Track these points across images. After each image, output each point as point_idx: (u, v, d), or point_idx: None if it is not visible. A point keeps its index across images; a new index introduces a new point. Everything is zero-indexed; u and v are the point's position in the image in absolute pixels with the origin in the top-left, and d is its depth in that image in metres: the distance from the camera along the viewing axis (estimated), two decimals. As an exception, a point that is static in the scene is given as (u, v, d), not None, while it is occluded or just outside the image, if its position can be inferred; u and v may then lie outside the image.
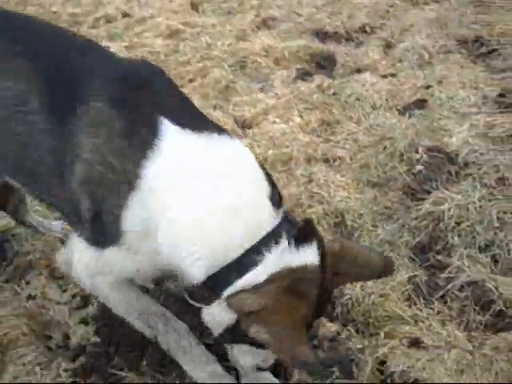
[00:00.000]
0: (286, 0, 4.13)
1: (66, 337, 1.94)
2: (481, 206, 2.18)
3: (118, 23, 3.90)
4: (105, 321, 1.88)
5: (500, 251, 2.05)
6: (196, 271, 1.27)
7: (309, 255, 1.24)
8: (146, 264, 1.36)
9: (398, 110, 2.79)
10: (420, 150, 2.48)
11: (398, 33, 3.41)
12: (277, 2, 4.09)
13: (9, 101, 1.43)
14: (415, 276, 1.97)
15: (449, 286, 1.95)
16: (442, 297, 1.93)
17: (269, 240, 1.22)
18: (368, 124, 2.68)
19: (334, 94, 2.93)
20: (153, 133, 1.26)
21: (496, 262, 2.04)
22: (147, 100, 1.32)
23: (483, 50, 3.16)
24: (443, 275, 2.00)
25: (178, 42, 3.50)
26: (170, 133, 1.26)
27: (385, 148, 2.50)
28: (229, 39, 3.47)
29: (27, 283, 2.10)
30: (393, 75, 3.05)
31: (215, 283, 1.27)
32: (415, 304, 1.88)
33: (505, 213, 2.17)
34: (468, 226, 2.13)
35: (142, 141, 1.26)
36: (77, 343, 1.86)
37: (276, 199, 1.27)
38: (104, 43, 3.44)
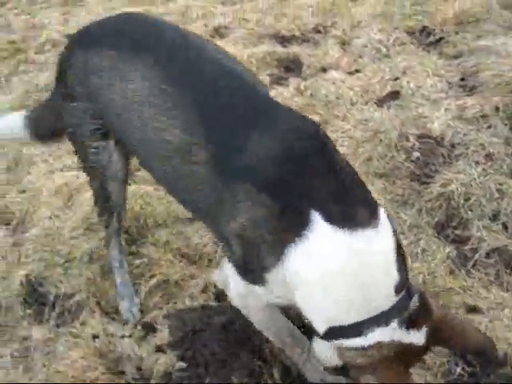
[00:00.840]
0: (227, 7, 4.26)
1: (139, 369, 1.99)
2: (480, 182, 2.46)
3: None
4: (187, 345, 1.95)
5: (507, 218, 2.34)
6: (319, 325, 1.44)
7: (416, 337, 1.39)
8: (285, 301, 1.54)
9: (375, 103, 3.01)
10: (411, 138, 2.72)
11: (349, 30, 3.64)
12: (219, 10, 4.20)
13: (172, 145, 1.55)
14: (449, 252, 2.20)
15: (476, 256, 2.21)
16: (474, 266, 2.19)
17: (382, 318, 1.37)
18: (355, 120, 2.89)
19: (312, 95, 3.11)
20: (303, 223, 1.38)
21: (506, 228, 2.33)
22: (303, 182, 1.42)
23: (431, 39, 3.47)
24: (467, 247, 2.26)
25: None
26: (317, 226, 1.37)
27: (381, 140, 2.72)
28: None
29: (82, 324, 2.11)
30: (358, 71, 3.28)
31: (331, 333, 1.42)
32: (457, 276, 2.12)
33: (500, 184, 2.47)
34: (475, 201, 2.40)
35: (293, 226, 1.38)
36: (162, 372, 1.92)
37: (400, 286, 1.40)
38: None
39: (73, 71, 1.81)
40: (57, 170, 2.76)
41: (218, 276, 1.75)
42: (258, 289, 1.52)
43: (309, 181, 1.41)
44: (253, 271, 1.48)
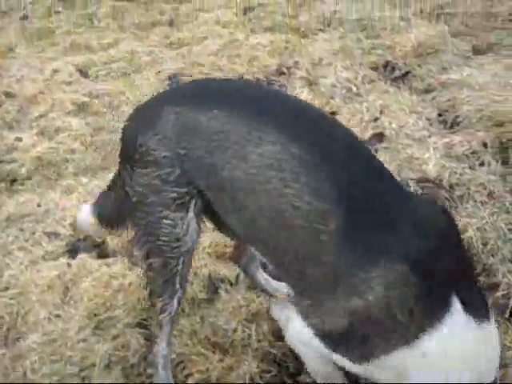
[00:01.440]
0: (174, 50, 4.08)
1: None
2: (492, 224, 2.46)
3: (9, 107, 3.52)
4: None
5: (528, 259, 2.35)
6: None
7: None
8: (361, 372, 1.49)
9: (361, 147, 2.96)
10: (411, 184, 2.68)
11: (311, 69, 3.58)
12: (167, 54, 4.02)
13: (298, 212, 1.45)
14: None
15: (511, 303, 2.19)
16: (512, 314, 2.17)
17: None
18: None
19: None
20: (444, 308, 1.35)
21: (529, 269, 2.33)
22: (445, 266, 1.39)
23: (397, 73, 3.49)
24: (498, 293, 2.24)
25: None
26: (455, 314, 1.36)
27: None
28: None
29: None
30: (334, 113, 3.22)
31: None
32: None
33: (510, 223, 2.48)
34: (493, 245, 2.39)
35: (434, 310, 1.36)
36: None
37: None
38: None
39: (158, 132, 1.65)
40: (40, 259, 2.46)
41: (278, 313, 1.74)
42: (336, 357, 1.47)
43: (449, 265, 1.39)
44: (353, 348, 1.42)
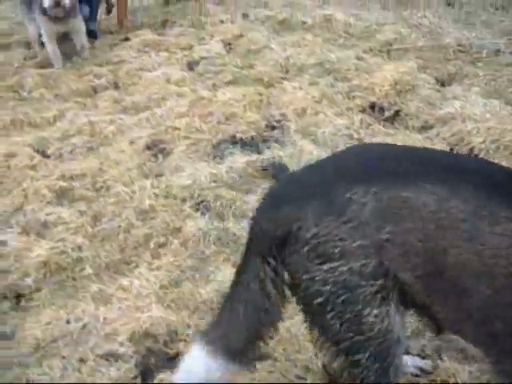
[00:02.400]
0: (136, 116, 3.71)
1: None
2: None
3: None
4: None
5: None
6: None
7: None
8: None
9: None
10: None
11: (300, 120, 3.42)
12: (131, 122, 3.65)
13: None
14: None
15: None
16: None
17: None
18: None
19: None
20: None
21: None
22: None
23: (388, 113, 3.45)
24: None
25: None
26: None
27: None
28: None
29: None
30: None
31: None
32: None
33: None
34: None
35: None
36: None
37: None
38: None
39: (350, 219, 1.40)
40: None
41: None
42: None
43: None
44: None
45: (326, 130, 3.29)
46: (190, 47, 4.61)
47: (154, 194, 2.91)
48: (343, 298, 1.42)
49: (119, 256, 2.56)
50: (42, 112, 3.82)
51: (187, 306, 2.27)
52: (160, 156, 3.24)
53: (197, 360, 1.61)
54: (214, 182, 2.92)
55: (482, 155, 3.00)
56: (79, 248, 2.59)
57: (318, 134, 3.28)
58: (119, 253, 2.58)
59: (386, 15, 4.82)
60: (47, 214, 2.83)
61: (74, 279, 2.47)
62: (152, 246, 2.61)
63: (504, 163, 2.89)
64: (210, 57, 4.37)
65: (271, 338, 1.62)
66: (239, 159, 3.06)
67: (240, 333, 1.59)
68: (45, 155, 3.34)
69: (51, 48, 4.49)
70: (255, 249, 1.57)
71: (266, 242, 1.52)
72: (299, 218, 1.46)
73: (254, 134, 3.32)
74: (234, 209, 2.77)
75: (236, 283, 1.63)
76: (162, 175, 3.07)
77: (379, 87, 3.62)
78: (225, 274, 2.39)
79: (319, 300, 1.44)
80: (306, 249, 1.44)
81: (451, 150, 3.10)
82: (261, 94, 3.72)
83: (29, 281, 2.44)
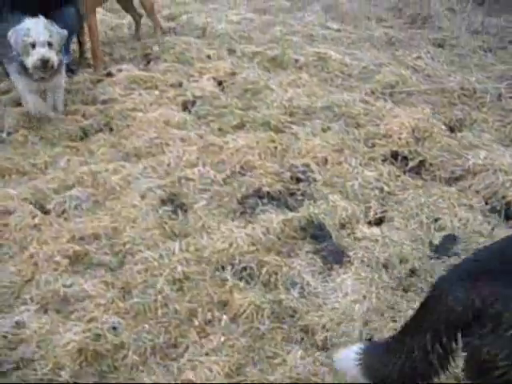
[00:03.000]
0: (139, 163, 3.40)
1: None
2: None
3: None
4: None
5: None
6: None
7: None
8: None
9: (437, 257, 2.68)
10: None
11: (328, 180, 3.19)
12: (136, 171, 3.33)
13: None
14: None
15: None
16: None
17: None
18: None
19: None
20: None
21: None
22: None
23: (411, 163, 3.32)
24: None
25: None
26: None
27: None
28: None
29: None
30: (381, 221, 2.91)
31: None
32: None
33: None
34: None
35: None
36: None
37: None
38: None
39: None
40: None
41: None
42: None
43: None
44: None
45: (355, 182, 3.12)
46: (180, 84, 4.32)
47: (185, 259, 2.62)
48: None
49: (163, 337, 2.25)
50: (30, 158, 3.42)
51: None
52: (179, 212, 2.94)
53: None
54: (253, 244, 2.66)
55: (519, 209, 2.93)
56: (114, 329, 2.27)
57: (347, 186, 3.10)
58: (165, 333, 2.27)
59: (378, 55, 4.74)
60: (65, 286, 2.47)
61: (116, 368, 2.14)
62: (197, 323, 2.32)
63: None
64: (204, 96, 4.11)
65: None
66: (273, 218, 2.81)
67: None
68: (44, 211, 2.96)
69: (33, 102, 3.78)
70: (429, 322, 1.50)
71: (449, 318, 1.45)
72: (507, 295, 1.29)
73: (279, 187, 3.08)
74: (281, 276, 2.53)
75: (398, 339, 1.62)
76: (187, 236, 2.78)
77: (397, 135, 3.49)
78: (294, 357, 2.14)
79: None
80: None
81: (486, 203, 3.01)
82: (273, 141, 3.50)
83: (64, 374, 2.09)
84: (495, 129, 3.71)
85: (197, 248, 2.68)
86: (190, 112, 3.97)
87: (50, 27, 3.56)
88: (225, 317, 2.34)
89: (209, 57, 4.72)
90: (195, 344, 2.23)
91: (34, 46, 3.50)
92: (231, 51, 4.89)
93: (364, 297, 2.41)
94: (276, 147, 3.46)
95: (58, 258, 2.60)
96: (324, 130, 3.63)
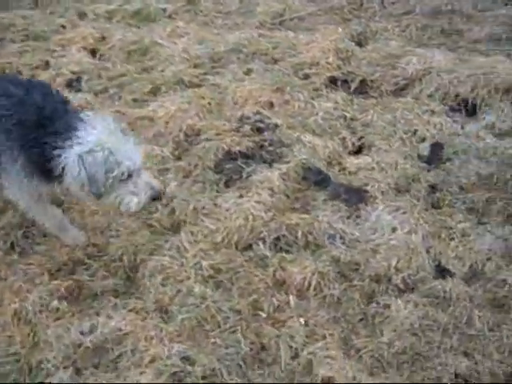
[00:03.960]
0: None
1: None
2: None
3: None
4: None
5: None
6: None
7: None
8: None
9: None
10: None
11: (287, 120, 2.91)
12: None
13: None
14: None
15: None
16: None
17: None
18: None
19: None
20: None
21: None
22: None
23: (354, 85, 3.17)
24: None
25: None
26: None
27: None
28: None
29: None
30: (360, 148, 2.76)
31: None
32: None
33: None
34: None
35: None
36: None
37: None
38: None
39: None
40: None
41: None
42: None
43: None
44: None
45: (317, 117, 2.90)
46: (47, 63, 3.61)
47: (202, 250, 2.21)
48: None
49: (245, 344, 1.88)
50: None
51: None
52: (157, 204, 2.47)
53: None
54: (268, 210, 2.33)
55: (479, 101, 2.97)
56: (186, 359, 1.84)
57: (310, 123, 2.87)
58: (242, 341, 1.89)
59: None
60: (84, 333, 1.94)
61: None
62: (264, 315, 1.99)
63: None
64: (86, 69, 3.47)
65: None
66: (270, 176, 2.49)
67: None
68: None
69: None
70: None
71: None
72: None
73: (247, 143, 2.74)
74: (317, 233, 2.26)
75: None
76: (183, 226, 2.34)
77: (324, 60, 3.30)
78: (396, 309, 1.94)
79: None
80: None
81: (443, 105, 3.00)
82: (203, 97, 3.09)
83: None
84: (397, 35, 3.71)
85: (205, 234, 2.28)
86: (80, 90, 3.34)
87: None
88: (291, 297, 2.03)
89: (63, 26, 4.00)
90: (282, 336, 1.90)
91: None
92: (82, 15, 4.20)
93: (415, 224, 2.26)
94: (210, 103, 3.07)
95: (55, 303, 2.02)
96: (246, 73, 3.31)
